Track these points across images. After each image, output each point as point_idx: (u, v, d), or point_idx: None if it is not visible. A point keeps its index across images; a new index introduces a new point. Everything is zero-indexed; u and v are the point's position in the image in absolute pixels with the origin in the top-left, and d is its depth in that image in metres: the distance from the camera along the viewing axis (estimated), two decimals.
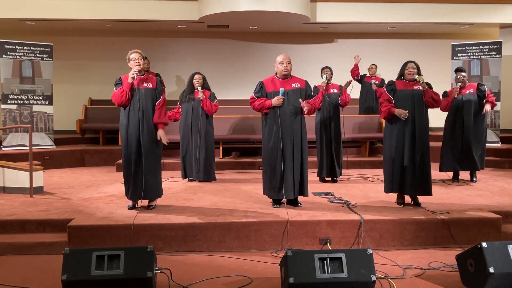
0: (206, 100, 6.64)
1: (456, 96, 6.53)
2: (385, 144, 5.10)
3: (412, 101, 4.91)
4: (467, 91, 6.59)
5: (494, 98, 6.71)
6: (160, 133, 4.84)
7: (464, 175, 6.86)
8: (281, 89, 4.84)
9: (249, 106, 8.13)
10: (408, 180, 4.91)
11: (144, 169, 4.79)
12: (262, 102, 4.88)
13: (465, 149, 6.55)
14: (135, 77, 4.74)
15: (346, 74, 9.70)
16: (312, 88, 6.44)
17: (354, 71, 9.49)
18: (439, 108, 6.47)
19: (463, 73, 6.58)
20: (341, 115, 6.67)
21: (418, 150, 4.88)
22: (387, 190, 5.08)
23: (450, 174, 6.81)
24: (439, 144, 6.85)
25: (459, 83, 6.58)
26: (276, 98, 4.81)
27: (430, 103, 4.94)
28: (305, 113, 4.86)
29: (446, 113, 6.77)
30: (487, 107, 6.56)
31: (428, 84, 4.97)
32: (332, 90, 6.60)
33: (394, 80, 5.09)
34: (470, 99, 6.55)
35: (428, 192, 4.97)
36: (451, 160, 6.63)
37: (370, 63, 9.70)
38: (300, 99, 4.86)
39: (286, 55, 4.95)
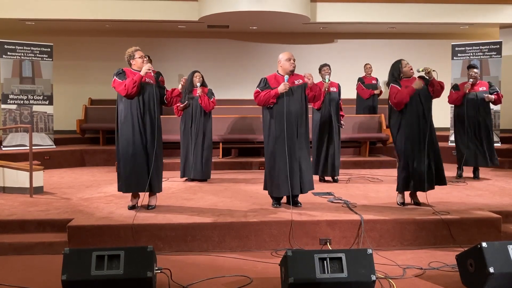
0: (204, 96, 6.64)
1: (467, 91, 6.59)
2: (397, 145, 5.01)
3: (419, 98, 4.89)
4: (480, 88, 6.72)
5: (501, 96, 6.81)
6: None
7: (466, 174, 6.88)
8: (286, 76, 4.85)
9: (249, 106, 8.08)
10: (425, 177, 4.87)
11: (152, 162, 4.80)
12: (267, 93, 4.86)
13: (482, 145, 6.69)
14: (152, 72, 4.83)
15: (346, 74, 9.71)
16: None
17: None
18: (448, 99, 6.57)
19: (475, 70, 6.72)
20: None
21: (432, 146, 4.89)
22: (403, 188, 5.04)
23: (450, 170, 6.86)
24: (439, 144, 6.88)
25: (471, 80, 6.67)
26: (282, 84, 4.81)
27: (438, 91, 4.90)
28: (309, 82, 4.86)
29: (446, 113, 6.81)
30: (492, 96, 6.65)
31: (425, 78, 4.97)
32: (332, 89, 6.62)
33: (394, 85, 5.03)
34: (483, 97, 6.69)
35: (444, 182, 4.99)
36: (472, 156, 6.72)
37: (370, 63, 9.70)
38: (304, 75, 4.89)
39: (290, 52, 4.99)
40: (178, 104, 6.54)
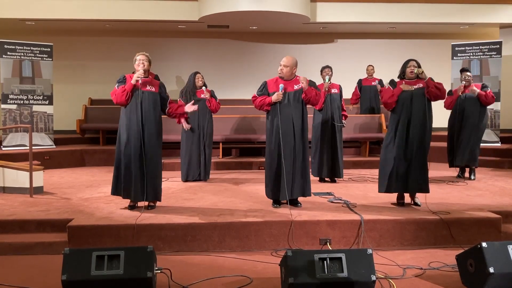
0: (212, 99, 6.65)
1: (460, 94, 6.65)
2: (384, 141, 5.11)
3: (410, 100, 4.89)
4: (470, 89, 6.73)
5: (491, 96, 6.72)
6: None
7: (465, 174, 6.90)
8: (281, 85, 4.84)
9: (249, 106, 8.08)
10: (403, 179, 4.89)
11: (146, 171, 4.80)
12: (262, 100, 4.91)
13: (463, 144, 6.70)
14: (140, 81, 4.74)
15: (345, 74, 9.69)
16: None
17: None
18: (443, 104, 6.63)
19: (468, 73, 6.78)
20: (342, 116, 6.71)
21: (415, 149, 4.87)
22: (381, 189, 5.07)
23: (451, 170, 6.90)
24: (440, 144, 6.90)
25: (464, 82, 6.71)
26: (275, 94, 4.82)
27: (434, 93, 4.87)
28: (302, 85, 4.83)
29: (448, 113, 6.87)
30: (476, 89, 6.62)
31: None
32: (333, 91, 6.62)
33: (395, 80, 5.09)
34: (471, 96, 6.71)
35: (425, 190, 4.96)
36: (455, 156, 6.78)
37: (369, 63, 9.68)
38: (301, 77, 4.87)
39: (288, 57, 4.93)
40: (183, 118, 6.37)
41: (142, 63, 4.77)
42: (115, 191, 4.95)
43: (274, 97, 4.83)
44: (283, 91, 4.83)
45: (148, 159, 4.81)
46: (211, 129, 6.84)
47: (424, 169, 4.94)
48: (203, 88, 6.64)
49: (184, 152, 6.79)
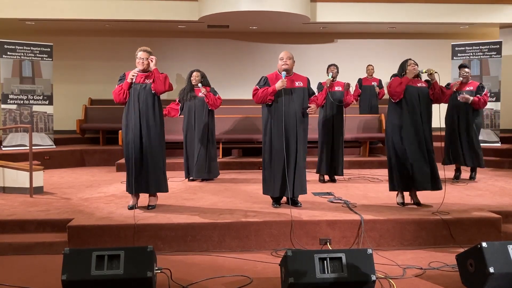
0: (209, 94, 6.63)
1: (455, 89, 6.58)
2: (390, 142, 5.02)
3: (418, 98, 4.90)
4: (467, 88, 6.70)
5: (487, 99, 6.64)
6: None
7: (464, 175, 6.87)
8: (283, 73, 4.84)
9: (249, 106, 8.02)
10: (418, 178, 4.87)
11: (146, 164, 4.82)
12: (265, 90, 4.85)
13: (463, 145, 6.63)
14: (134, 79, 4.76)
15: (345, 74, 9.64)
16: (317, 84, 6.49)
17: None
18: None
19: (466, 69, 6.72)
20: (344, 115, 6.69)
21: (427, 147, 4.88)
22: (392, 188, 5.06)
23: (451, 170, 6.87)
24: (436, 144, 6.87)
25: (461, 78, 6.67)
26: (280, 81, 4.79)
27: (438, 96, 4.91)
28: (312, 112, 4.91)
29: (444, 113, 6.83)
30: (469, 97, 6.50)
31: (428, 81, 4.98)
32: (336, 88, 6.61)
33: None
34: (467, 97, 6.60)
35: (439, 187, 4.97)
36: (453, 155, 6.71)
37: (369, 63, 9.69)
38: (309, 104, 4.94)
39: (287, 51, 4.96)
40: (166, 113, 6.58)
41: (142, 62, 4.80)
42: (126, 187, 5.01)
43: (278, 84, 4.79)
44: (286, 79, 4.82)
45: (149, 150, 4.83)
46: (206, 127, 6.74)
47: (436, 166, 4.97)
48: (199, 85, 6.63)
49: (185, 151, 6.80)
